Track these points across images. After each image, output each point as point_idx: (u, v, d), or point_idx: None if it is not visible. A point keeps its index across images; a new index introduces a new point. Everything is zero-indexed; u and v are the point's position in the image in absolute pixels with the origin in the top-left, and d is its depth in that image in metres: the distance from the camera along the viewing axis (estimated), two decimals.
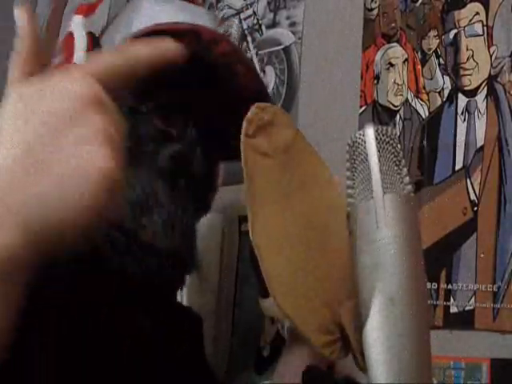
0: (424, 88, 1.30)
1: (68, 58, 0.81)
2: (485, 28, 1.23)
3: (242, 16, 1.71)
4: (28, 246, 0.44)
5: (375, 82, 1.37)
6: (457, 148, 1.23)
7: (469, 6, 1.26)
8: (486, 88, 1.21)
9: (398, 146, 0.66)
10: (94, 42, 0.83)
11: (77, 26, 0.83)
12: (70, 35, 0.83)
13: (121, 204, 0.50)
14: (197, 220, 0.89)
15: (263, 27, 1.64)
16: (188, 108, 0.84)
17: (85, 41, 0.81)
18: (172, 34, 0.80)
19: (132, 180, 0.79)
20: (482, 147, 1.20)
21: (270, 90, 1.60)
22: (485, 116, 1.20)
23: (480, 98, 1.22)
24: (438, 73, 1.28)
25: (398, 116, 1.32)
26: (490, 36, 1.23)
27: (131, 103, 0.80)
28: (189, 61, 0.81)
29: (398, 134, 1.29)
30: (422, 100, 1.29)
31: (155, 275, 0.80)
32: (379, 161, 0.65)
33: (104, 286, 0.76)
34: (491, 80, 1.21)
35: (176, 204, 0.81)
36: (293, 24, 1.57)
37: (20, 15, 0.54)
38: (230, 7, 1.76)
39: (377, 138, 0.66)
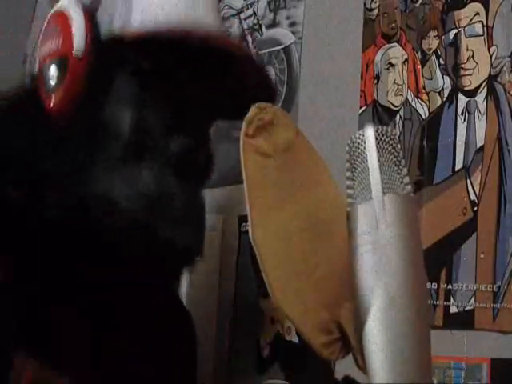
0: (424, 88, 1.30)
1: (65, 45, 0.79)
2: (485, 28, 1.23)
3: (242, 16, 1.71)
4: None
5: (375, 81, 1.37)
6: (457, 148, 1.23)
7: (469, 6, 1.26)
8: (485, 88, 1.21)
9: (398, 146, 0.67)
10: (93, 27, 0.81)
11: (69, 2, 0.81)
12: (61, 14, 0.81)
13: None
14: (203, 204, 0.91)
15: (263, 27, 1.64)
16: (197, 100, 0.85)
17: (82, 22, 0.80)
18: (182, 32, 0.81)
19: (142, 174, 0.80)
20: (482, 147, 1.20)
21: None
22: (485, 116, 1.20)
23: (480, 97, 1.22)
24: (438, 73, 1.28)
25: (398, 116, 1.32)
26: (489, 36, 1.22)
27: (139, 96, 0.81)
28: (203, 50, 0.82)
29: (398, 134, 1.29)
30: (422, 100, 1.29)
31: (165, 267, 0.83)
32: (379, 161, 0.65)
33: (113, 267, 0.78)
34: (491, 80, 1.21)
35: (187, 195, 0.83)
36: (293, 24, 1.57)
37: None
38: (230, 7, 1.76)
39: (377, 138, 0.66)
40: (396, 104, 1.33)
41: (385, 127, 0.67)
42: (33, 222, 0.76)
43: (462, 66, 1.25)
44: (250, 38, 1.67)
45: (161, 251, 0.81)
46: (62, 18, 0.81)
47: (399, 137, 1.28)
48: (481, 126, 1.21)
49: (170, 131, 0.83)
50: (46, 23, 0.85)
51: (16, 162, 0.80)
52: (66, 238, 0.76)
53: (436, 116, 1.27)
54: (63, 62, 0.79)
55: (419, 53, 1.31)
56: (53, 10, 0.84)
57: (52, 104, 0.80)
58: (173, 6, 0.83)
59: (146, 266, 0.80)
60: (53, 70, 0.80)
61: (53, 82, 0.80)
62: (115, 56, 0.82)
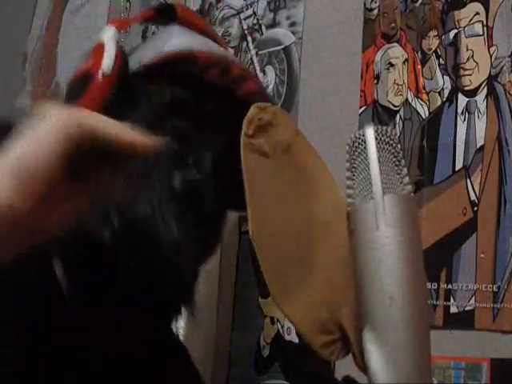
0: (424, 88, 1.30)
1: (94, 65, 0.80)
2: (485, 28, 1.23)
3: (242, 16, 1.71)
4: None
5: (375, 81, 1.37)
6: (457, 148, 1.23)
7: (469, 5, 1.26)
8: (485, 88, 1.21)
9: (398, 146, 0.66)
10: (122, 57, 0.82)
11: (107, 35, 0.82)
12: (100, 45, 0.82)
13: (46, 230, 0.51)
14: (201, 261, 0.84)
15: (263, 27, 1.64)
16: (209, 140, 0.82)
17: (114, 50, 0.80)
18: (200, 63, 0.80)
19: (140, 199, 0.77)
20: (482, 147, 1.20)
21: (269, 90, 1.60)
22: (485, 116, 1.20)
23: (480, 98, 1.22)
24: (438, 73, 1.28)
25: (398, 116, 1.32)
26: (489, 36, 1.23)
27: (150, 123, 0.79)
28: (217, 94, 0.80)
29: (398, 134, 1.29)
30: (422, 100, 1.29)
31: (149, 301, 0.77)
32: (379, 161, 0.65)
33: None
34: (491, 80, 1.21)
35: (183, 231, 0.77)
36: (293, 24, 1.57)
37: None
38: (230, 7, 1.76)
39: (377, 138, 0.66)
40: (396, 104, 1.33)
41: (385, 127, 0.67)
42: None
43: (462, 65, 1.25)
44: (249, 38, 1.68)
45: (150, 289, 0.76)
46: (98, 45, 0.82)
47: (399, 137, 1.28)
48: (481, 125, 1.21)
49: (177, 165, 0.78)
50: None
51: None
52: None
53: (436, 116, 1.27)
54: (88, 79, 0.79)
55: (419, 53, 1.31)
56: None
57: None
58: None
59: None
60: (77, 85, 0.80)
61: (73, 97, 0.79)
62: (143, 82, 0.81)
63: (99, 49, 0.81)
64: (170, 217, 0.76)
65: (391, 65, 1.35)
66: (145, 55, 0.82)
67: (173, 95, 0.81)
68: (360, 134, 0.66)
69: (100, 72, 0.78)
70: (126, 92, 0.80)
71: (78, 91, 0.79)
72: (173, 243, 0.75)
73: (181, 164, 0.78)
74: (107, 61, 0.79)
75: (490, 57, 1.22)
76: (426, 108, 1.29)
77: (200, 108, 0.81)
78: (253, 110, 0.71)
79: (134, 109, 0.80)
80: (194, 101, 0.81)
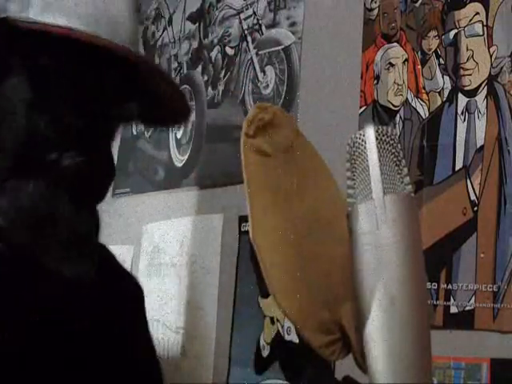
0: (424, 88, 1.30)
1: None
2: (485, 28, 1.23)
3: (242, 16, 1.71)
4: None
5: (375, 82, 1.37)
6: (457, 148, 1.23)
7: (469, 5, 1.26)
8: (485, 88, 1.21)
9: (398, 146, 0.66)
10: None
11: None
12: None
13: None
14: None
15: (263, 27, 1.64)
16: (98, 109, 0.76)
17: None
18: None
19: (30, 191, 0.71)
20: (481, 147, 1.20)
21: (269, 90, 1.60)
22: (485, 116, 1.20)
23: (480, 98, 1.22)
24: (438, 73, 1.28)
25: (398, 116, 1.32)
26: (489, 36, 1.23)
27: (32, 98, 0.72)
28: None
29: (398, 134, 1.29)
30: (422, 100, 1.29)
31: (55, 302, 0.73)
32: (379, 161, 0.65)
33: None
34: (491, 80, 1.21)
35: (80, 219, 0.74)
36: (293, 24, 1.57)
37: None
38: (230, 7, 1.76)
39: (377, 138, 0.66)
40: (396, 104, 1.33)
41: (385, 127, 0.67)
42: None
43: (462, 65, 1.25)
44: (249, 38, 1.68)
45: (48, 280, 0.72)
46: None
47: (399, 137, 1.28)
48: (481, 126, 1.21)
49: (64, 143, 0.73)
50: None
51: None
52: None
53: (436, 116, 1.27)
54: None
55: (419, 53, 1.31)
56: None
57: None
58: None
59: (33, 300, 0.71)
60: None
61: None
62: (12, 48, 0.73)
63: None
64: (59, 206, 0.72)
65: (391, 65, 1.35)
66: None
67: (60, 60, 0.72)
68: (360, 134, 0.66)
69: None
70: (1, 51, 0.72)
71: None
72: (72, 241, 0.72)
73: (68, 146, 0.72)
74: None
75: (490, 57, 1.22)
76: (425, 108, 1.29)
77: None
78: (253, 110, 0.71)
79: (13, 75, 0.72)
80: (78, 68, 0.73)
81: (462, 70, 1.25)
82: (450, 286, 1.18)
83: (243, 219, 1.53)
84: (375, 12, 1.40)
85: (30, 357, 0.69)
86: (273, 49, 1.60)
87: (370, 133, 0.66)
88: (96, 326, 0.76)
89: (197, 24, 1.88)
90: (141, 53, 0.89)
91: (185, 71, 1.91)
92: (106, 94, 0.75)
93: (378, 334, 0.63)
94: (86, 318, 0.75)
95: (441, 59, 1.28)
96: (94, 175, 0.75)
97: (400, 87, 1.33)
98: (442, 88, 1.27)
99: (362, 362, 0.66)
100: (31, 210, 0.71)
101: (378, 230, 0.63)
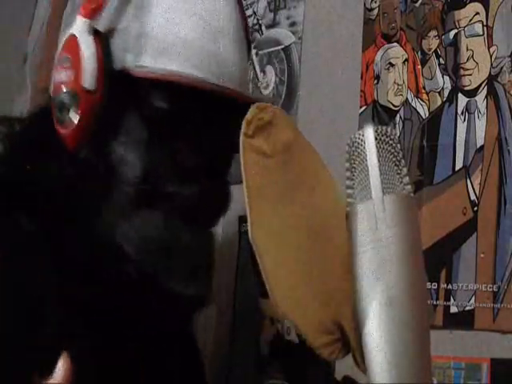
0: (424, 88, 1.30)
1: (75, 63, 0.78)
2: (485, 28, 1.23)
3: None
4: None
5: (375, 82, 1.37)
6: (457, 148, 1.23)
7: (469, 5, 1.26)
8: (485, 88, 1.21)
9: (398, 146, 0.66)
10: (103, 41, 0.79)
11: (81, 29, 0.79)
12: (73, 40, 0.80)
13: None
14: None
15: (263, 27, 1.64)
16: (211, 146, 0.83)
17: (91, 45, 0.78)
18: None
19: (153, 221, 0.78)
20: (481, 147, 1.20)
21: (269, 90, 1.60)
22: (485, 116, 1.20)
23: (480, 98, 1.22)
24: (438, 73, 1.28)
25: (398, 116, 1.32)
26: (489, 36, 1.22)
27: (151, 139, 0.79)
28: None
29: (398, 134, 1.29)
30: (422, 100, 1.29)
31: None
32: (379, 161, 0.65)
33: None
34: (491, 80, 1.21)
35: (198, 243, 0.80)
36: (293, 24, 1.57)
37: None
38: None
39: (376, 138, 0.66)
40: (396, 104, 1.33)
41: (385, 127, 0.67)
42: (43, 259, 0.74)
43: (462, 65, 1.25)
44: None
45: (168, 303, 0.78)
46: (74, 46, 0.79)
47: (399, 137, 1.28)
48: (481, 125, 1.21)
49: (181, 177, 0.80)
50: (60, 48, 0.83)
51: (28, 190, 0.78)
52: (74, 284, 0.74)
53: (436, 116, 1.27)
54: (75, 94, 0.78)
55: (419, 53, 1.31)
56: (66, 35, 0.81)
57: (63, 132, 0.79)
58: (195, 40, 0.80)
59: (154, 317, 0.78)
60: (65, 100, 0.79)
61: (65, 113, 0.79)
62: (129, 94, 0.80)
63: (76, 51, 0.77)
64: (181, 235, 0.77)
65: (391, 65, 1.35)
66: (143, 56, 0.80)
67: (175, 106, 0.79)
68: (360, 134, 0.66)
69: (83, 86, 0.77)
70: (120, 99, 0.79)
71: (66, 107, 0.78)
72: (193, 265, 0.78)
73: (185, 179, 0.79)
74: (88, 72, 0.77)
75: (490, 57, 1.22)
76: (425, 108, 1.28)
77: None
78: (252, 110, 0.71)
79: (132, 119, 0.79)
80: (192, 111, 0.80)
81: (462, 70, 1.25)
82: (450, 286, 1.18)
83: (243, 219, 1.53)
84: (375, 12, 1.39)
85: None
86: (273, 49, 1.60)
87: (370, 133, 0.66)
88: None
89: None
90: (249, 93, 0.98)
91: None
92: (217, 132, 0.82)
93: (378, 334, 0.63)
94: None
95: (441, 59, 1.28)
96: (211, 204, 0.82)
97: (400, 87, 1.33)
98: (442, 88, 1.27)
99: (361, 362, 0.66)
100: (156, 239, 0.78)
101: (378, 230, 0.63)
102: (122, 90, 0.79)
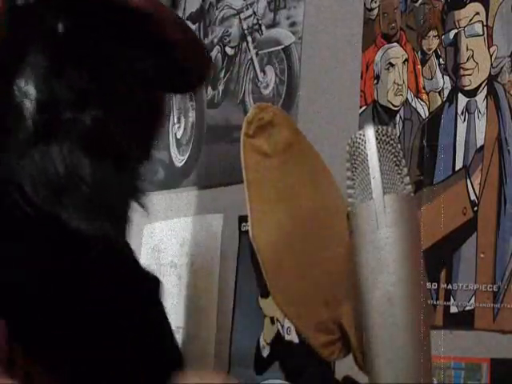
0: (424, 88, 1.30)
1: None
2: (485, 28, 1.23)
3: (242, 16, 1.71)
4: None
5: (375, 81, 1.37)
6: (457, 148, 1.23)
7: (469, 6, 1.26)
8: (485, 88, 1.21)
9: (398, 146, 0.66)
10: None
11: None
12: None
13: None
14: (129, 194, 0.81)
15: (263, 27, 1.64)
16: (117, 68, 0.79)
17: None
18: None
19: (51, 154, 0.73)
20: (481, 147, 1.20)
21: (269, 90, 1.60)
22: (485, 116, 1.20)
23: (480, 98, 1.22)
24: (438, 73, 1.28)
25: (398, 116, 1.32)
26: (489, 36, 1.23)
27: (49, 63, 0.75)
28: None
29: (398, 134, 1.29)
30: (422, 100, 1.29)
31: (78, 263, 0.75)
32: (379, 161, 0.65)
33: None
34: (491, 80, 1.21)
35: (101, 178, 0.75)
36: (293, 24, 1.57)
37: None
38: (230, 7, 1.76)
39: (377, 138, 0.66)
40: (396, 104, 1.33)
41: (385, 127, 0.67)
42: None
43: (462, 65, 1.25)
44: (249, 38, 1.68)
45: (72, 242, 0.74)
46: None
47: (399, 137, 1.28)
48: (481, 126, 1.21)
49: (82, 103, 0.75)
50: None
51: None
52: None
53: (436, 116, 1.27)
54: None
55: (419, 53, 1.31)
56: None
57: None
58: None
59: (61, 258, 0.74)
60: None
61: None
62: (28, 24, 0.77)
63: None
64: (82, 168, 0.73)
65: (391, 65, 1.35)
66: None
67: (75, 25, 0.76)
68: (360, 134, 0.66)
69: None
70: (20, 22, 0.76)
71: None
72: (92, 201, 0.74)
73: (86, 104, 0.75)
74: None
75: (490, 57, 1.22)
76: (426, 108, 1.29)
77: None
78: (253, 110, 0.71)
79: (31, 44, 0.76)
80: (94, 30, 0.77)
81: (462, 70, 1.25)
82: (450, 286, 1.18)
83: (243, 219, 1.53)
84: (375, 12, 1.40)
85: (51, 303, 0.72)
86: (273, 49, 1.60)
87: (370, 133, 0.66)
88: (111, 296, 0.78)
89: (197, 24, 1.88)
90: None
91: None
92: (121, 52, 0.78)
93: (378, 334, 0.63)
94: (102, 284, 0.77)
95: (441, 59, 1.28)
96: (114, 134, 0.77)
97: (400, 87, 1.33)
98: (442, 88, 1.27)
99: (361, 362, 0.66)
100: (54, 173, 0.74)
101: (378, 230, 0.63)
102: (22, 23, 0.76)
